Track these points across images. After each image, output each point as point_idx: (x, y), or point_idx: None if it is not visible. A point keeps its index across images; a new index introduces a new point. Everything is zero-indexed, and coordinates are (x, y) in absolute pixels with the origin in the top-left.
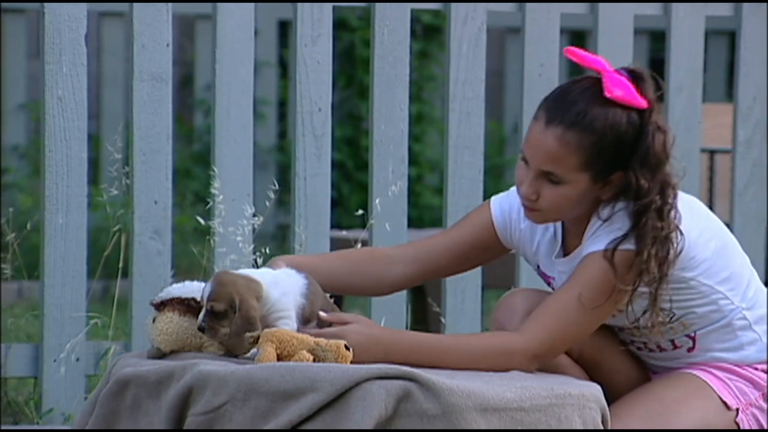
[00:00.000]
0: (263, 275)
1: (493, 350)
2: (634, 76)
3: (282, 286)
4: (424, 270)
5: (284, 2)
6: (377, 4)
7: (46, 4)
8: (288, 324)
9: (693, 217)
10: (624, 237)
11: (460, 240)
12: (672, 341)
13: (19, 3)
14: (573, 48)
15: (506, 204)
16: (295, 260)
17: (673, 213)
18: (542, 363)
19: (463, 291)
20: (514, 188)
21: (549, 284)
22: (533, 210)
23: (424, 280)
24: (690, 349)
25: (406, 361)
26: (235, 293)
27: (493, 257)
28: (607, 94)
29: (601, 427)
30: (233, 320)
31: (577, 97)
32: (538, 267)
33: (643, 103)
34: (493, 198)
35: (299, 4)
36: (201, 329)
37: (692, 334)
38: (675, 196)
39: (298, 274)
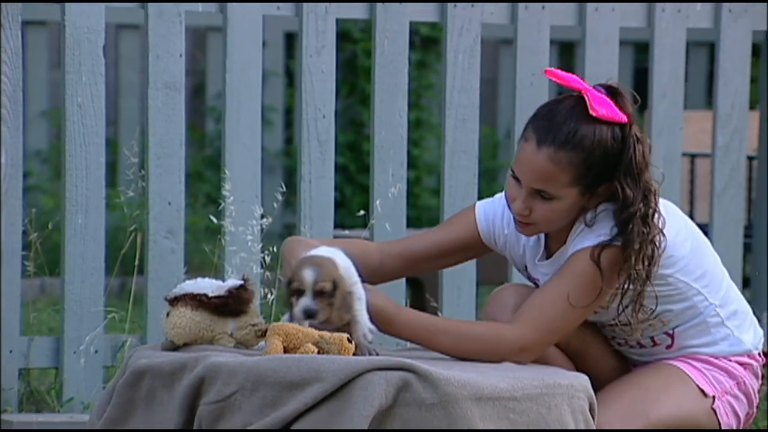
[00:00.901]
0: (329, 251)
1: (483, 338)
2: (612, 93)
3: (342, 258)
4: (410, 266)
5: None
6: (378, 17)
7: (66, 18)
8: (359, 288)
9: (669, 218)
10: (610, 241)
11: (444, 240)
12: (652, 338)
13: (41, 15)
14: (552, 69)
15: (490, 210)
16: (310, 243)
17: (656, 216)
18: (531, 356)
19: (458, 287)
20: (498, 195)
21: (537, 286)
22: (526, 224)
23: (409, 274)
24: (668, 347)
25: (403, 334)
26: (333, 271)
27: (475, 256)
28: (593, 113)
29: (589, 415)
30: (336, 296)
31: (565, 117)
32: (526, 268)
33: (624, 118)
34: (477, 203)
35: (305, 18)
36: (313, 313)
37: (671, 332)
38: (657, 202)
39: (337, 249)
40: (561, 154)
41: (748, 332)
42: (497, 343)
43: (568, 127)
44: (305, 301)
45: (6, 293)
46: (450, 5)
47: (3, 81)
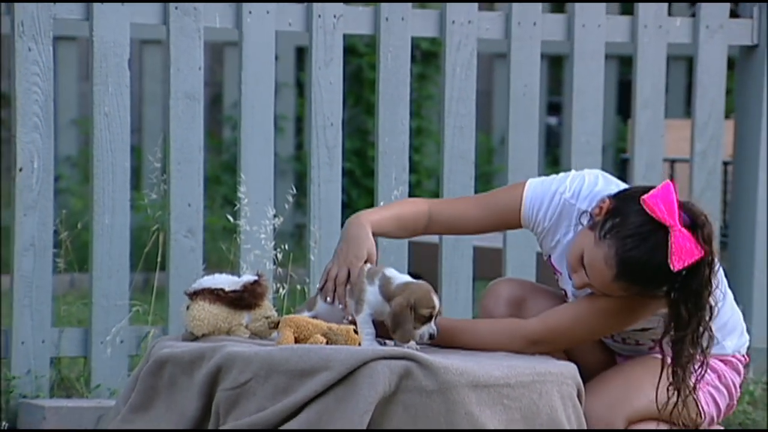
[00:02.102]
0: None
1: (503, 331)
2: (693, 225)
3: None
4: (450, 233)
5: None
6: (382, 33)
7: (95, 34)
8: None
9: None
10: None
11: (487, 221)
12: (636, 341)
13: (71, 32)
14: (649, 200)
15: (538, 198)
16: (372, 220)
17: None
18: (541, 350)
19: (456, 282)
20: (551, 178)
21: (555, 274)
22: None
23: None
24: (651, 348)
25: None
26: None
27: (509, 229)
28: (673, 269)
29: (577, 401)
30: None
31: (644, 264)
32: (549, 257)
33: (700, 255)
34: (529, 183)
35: (314, 33)
36: (435, 336)
37: (656, 339)
38: (712, 315)
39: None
40: (632, 288)
41: (732, 339)
42: (516, 336)
43: (645, 276)
44: (432, 327)
45: (38, 287)
46: (449, 22)
47: (36, 92)
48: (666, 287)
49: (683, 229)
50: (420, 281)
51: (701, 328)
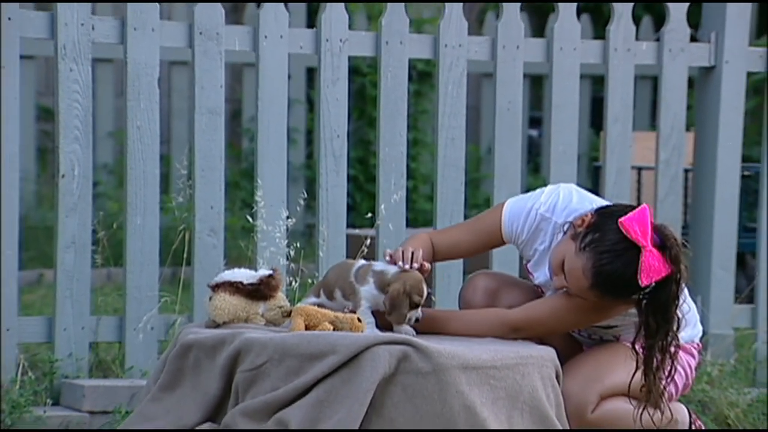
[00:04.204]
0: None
1: (488, 320)
2: (662, 245)
3: None
4: (450, 258)
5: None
6: (383, 55)
7: (128, 56)
8: None
9: None
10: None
11: (477, 245)
12: (600, 337)
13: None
14: (626, 222)
15: (515, 215)
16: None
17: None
18: (520, 336)
19: (448, 276)
20: (527, 196)
21: (529, 278)
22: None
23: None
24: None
25: (425, 329)
26: None
27: (496, 247)
28: (642, 284)
29: (555, 382)
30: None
31: (617, 279)
32: (527, 263)
33: (667, 271)
34: (507, 204)
35: (322, 56)
36: (420, 320)
37: (618, 336)
38: (680, 327)
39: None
40: (605, 297)
41: (687, 330)
42: (500, 323)
43: (616, 287)
44: (419, 312)
45: (78, 281)
46: (442, 45)
47: (76, 108)
48: (636, 297)
49: (653, 249)
50: (413, 271)
51: (669, 338)
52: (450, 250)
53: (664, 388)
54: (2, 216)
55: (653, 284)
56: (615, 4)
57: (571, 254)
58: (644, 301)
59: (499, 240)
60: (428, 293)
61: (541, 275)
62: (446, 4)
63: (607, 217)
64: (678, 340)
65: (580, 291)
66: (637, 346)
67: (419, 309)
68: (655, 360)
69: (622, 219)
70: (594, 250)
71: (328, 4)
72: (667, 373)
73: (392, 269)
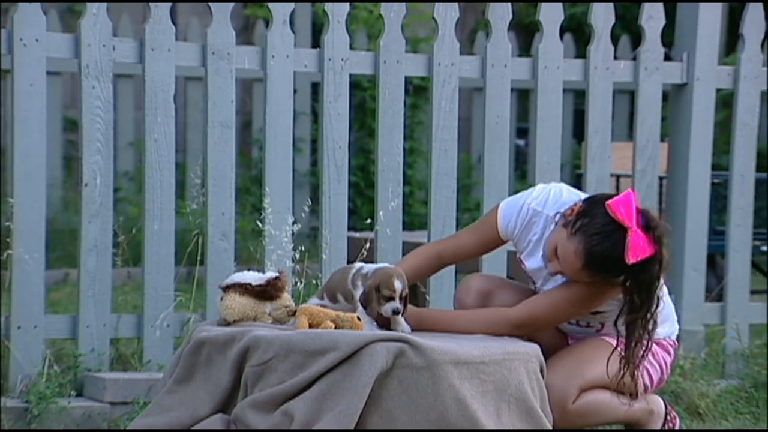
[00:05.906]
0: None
1: (491, 319)
2: (647, 226)
3: None
4: (459, 261)
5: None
6: (381, 72)
7: (146, 73)
8: None
9: None
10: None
11: (477, 248)
12: (587, 323)
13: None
14: (612, 204)
15: (509, 214)
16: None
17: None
18: (524, 332)
19: (441, 276)
20: (519, 196)
21: (521, 266)
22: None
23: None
24: (598, 330)
25: (430, 328)
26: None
27: (498, 246)
28: (627, 261)
29: (540, 376)
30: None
31: (605, 259)
32: (520, 255)
33: (652, 251)
34: (501, 205)
35: (326, 73)
36: (399, 311)
37: (603, 322)
38: (658, 306)
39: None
40: (596, 275)
41: (664, 327)
42: (501, 322)
43: (606, 266)
44: (395, 304)
45: (100, 281)
46: (435, 64)
47: (98, 122)
48: (623, 276)
49: (639, 230)
50: (388, 267)
51: (649, 315)
52: (455, 253)
53: (641, 360)
54: (28, 221)
55: (639, 263)
56: (594, 24)
57: (563, 239)
58: (630, 280)
59: (497, 238)
60: (422, 292)
61: (533, 262)
62: (439, 25)
63: (594, 203)
64: (656, 317)
65: (573, 273)
66: (614, 342)
67: (396, 302)
68: (636, 334)
69: (609, 201)
70: (584, 233)
71: (330, 26)
72: (644, 348)
73: (372, 267)
